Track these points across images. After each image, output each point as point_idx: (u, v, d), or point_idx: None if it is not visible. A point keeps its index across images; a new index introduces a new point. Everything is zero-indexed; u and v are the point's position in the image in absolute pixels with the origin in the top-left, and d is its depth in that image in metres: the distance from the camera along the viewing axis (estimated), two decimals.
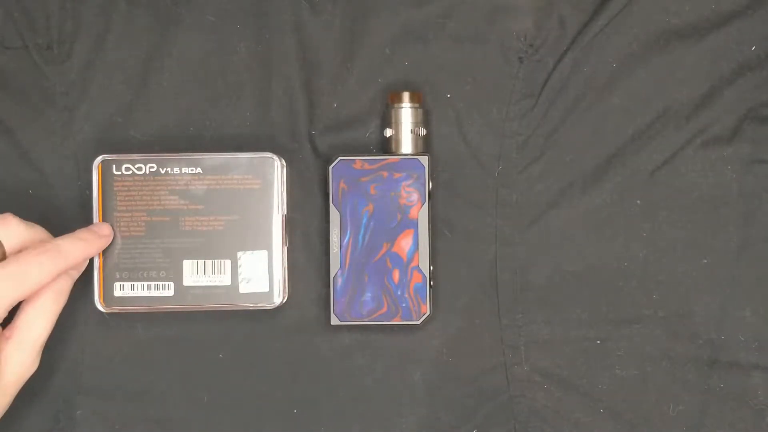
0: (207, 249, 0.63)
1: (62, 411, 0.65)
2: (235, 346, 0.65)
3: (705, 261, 0.65)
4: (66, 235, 0.60)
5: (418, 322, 0.64)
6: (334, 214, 0.64)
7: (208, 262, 0.63)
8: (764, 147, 0.65)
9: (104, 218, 0.63)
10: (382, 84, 0.65)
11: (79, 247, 0.59)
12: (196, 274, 0.63)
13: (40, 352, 0.59)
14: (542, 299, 0.65)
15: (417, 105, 0.64)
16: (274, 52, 0.65)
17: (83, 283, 0.63)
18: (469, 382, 0.65)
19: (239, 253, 0.63)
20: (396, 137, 0.64)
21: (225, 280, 0.63)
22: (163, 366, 0.65)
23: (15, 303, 0.56)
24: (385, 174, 0.63)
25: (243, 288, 0.63)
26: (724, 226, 0.65)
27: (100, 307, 0.63)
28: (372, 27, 0.65)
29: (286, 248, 0.63)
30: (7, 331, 0.58)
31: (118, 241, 0.63)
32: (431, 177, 0.64)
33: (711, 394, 0.65)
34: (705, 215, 0.65)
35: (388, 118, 0.64)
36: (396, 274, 0.63)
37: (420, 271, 0.63)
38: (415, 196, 0.63)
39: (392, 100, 0.64)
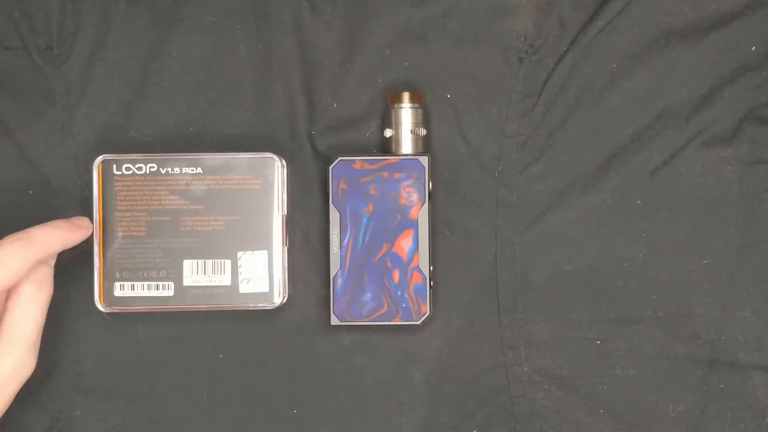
0: (207, 249, 0.63)
1: (62, 411, 0.65)
2: (235, 346, 0.65)
3: (705, 261, 0.65)
4: (39, 225, 0.59)
5: (418, 322, 0.64)
6: (334, 215, 0.64)
7: (208, 262, 0.63)
8: (764, 147, 0.65)
9: (104, 218, 0.63)
10: (382, 84, 0.65)
11: (53, 234, 0.58)
12: (196, 274, 0.63)
13: (35, 349, 0.58)
14: (542, 299, 0.65)
15: (417, 105, 0.64)
16: (274, 52, 0.65)
17: (83, 283, 0.63)
18: (469, 383, 0.65)
19: (239, 253, 0.63)
20: (396, 137, 0.64)
21: (225, 280, 0.63)
22: (163, 366, 0.65)
23: None
24: (385, 174, 0.63)
25: (243, 288, 0.63)
26: (724, 226, 0.65)
27: (100, 307, 0.63)
28: (372, 27, 0.65)
29: (286, 248, 0.63)
30: None
31: (119, 241, 0.63)
32: (431, 177, 0.64)
33: (711, 394, 0.65)
34: (705, 215, 0.65)
35: (388, 119, 0.64)
36: (396, 275, 0.63)
37: (420, 271, 0.63)
38: (415, 197, 0.63)
39: (392, 100, 0.64)
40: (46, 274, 0.59)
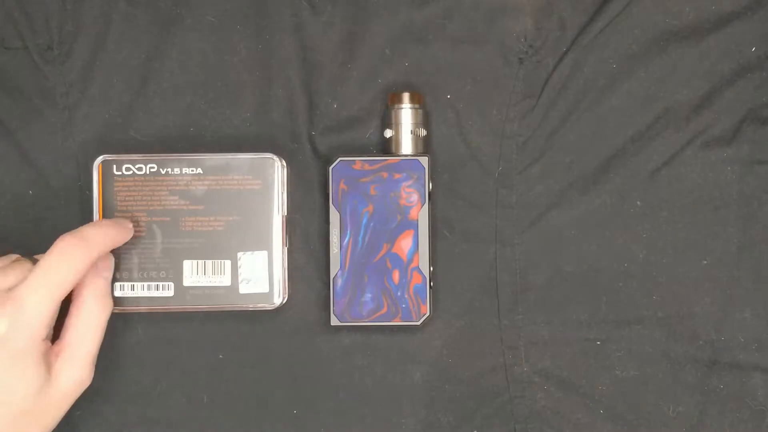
0: (207, 249, 0.63)
1: None
2: (235, 347, 0.65)
3: (705, 262, 0.65)
4: (89, 224, 0.58)
5: (418, 323, 0.64)
6: (334, 215, 0.64)
7: (208, 262, 0.63)
8: (764, 148, 0.65)
9: (104, 218, 0.63)
10: (382, 85, 0.65)
11: (102, 233, 0.58)
12: (196, 274, 0.63)
13: (94, 364, 0.58)
14: (542, 300, 0.65)
15: (417, 106, 0.64)
16: (274, 52, 0.65)
17: None
18: (469, 383, 0.65)
19: (239, 254, 0.63)
20: (396, 138, 0.64)
21: (225, 280, 0.63)
22: (163, 366, 0.65)
23: (57, 301, 0.55)
24: (385, 175, 0.63)
25: (243, 288, 0.63)
26: (724, 227, 0.65)
27: None
28: (372, 28, 0.65)
29: (286, 249, 0.63)
30: (56, 347, 0.57)
31: None
32: (431, 178, 0.64)
33: (711, 395, 0.65)
34: (705, 216, 0.65)
35: (388, 119, 0.64)
36: (396, 275, 0.63)
37: (420, 271, 0.63)
38: (414, 197, 0.63)
39: (392, 100, 0.64)
40: (106, 289, 0.59)
